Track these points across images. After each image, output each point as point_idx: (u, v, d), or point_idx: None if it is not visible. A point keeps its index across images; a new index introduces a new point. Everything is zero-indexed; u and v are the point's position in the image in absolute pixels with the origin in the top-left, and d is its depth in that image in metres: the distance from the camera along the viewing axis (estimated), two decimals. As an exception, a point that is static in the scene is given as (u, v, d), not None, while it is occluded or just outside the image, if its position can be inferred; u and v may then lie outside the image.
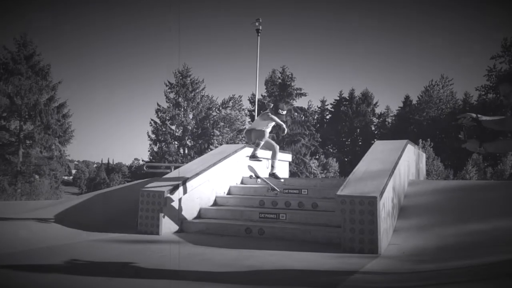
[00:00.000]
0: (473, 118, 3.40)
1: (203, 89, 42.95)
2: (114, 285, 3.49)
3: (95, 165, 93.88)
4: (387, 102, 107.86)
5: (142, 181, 9.08)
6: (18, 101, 29.62)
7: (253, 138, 6.64)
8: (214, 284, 3.60)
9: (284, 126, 6.65)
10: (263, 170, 9.16)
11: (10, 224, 6.37)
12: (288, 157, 10.71)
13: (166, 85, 42.33)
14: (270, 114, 6.53)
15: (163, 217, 6.15)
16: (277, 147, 6.86)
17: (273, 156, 6.79)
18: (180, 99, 42.16)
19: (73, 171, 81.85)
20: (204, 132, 41.19)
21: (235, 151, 8.08)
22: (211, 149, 28.18)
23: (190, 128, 41.36)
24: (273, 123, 6.66)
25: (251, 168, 7.04)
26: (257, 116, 8.58)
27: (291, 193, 7.27)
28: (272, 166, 6.77)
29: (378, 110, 57.80)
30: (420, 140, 33.05)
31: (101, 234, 6.03)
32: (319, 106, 58.77)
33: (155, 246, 5.34)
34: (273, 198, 7.03)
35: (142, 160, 46.33)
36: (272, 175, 6.77)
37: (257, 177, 6.95)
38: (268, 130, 6.70)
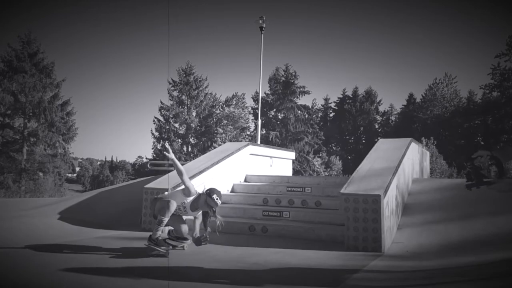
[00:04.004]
0: (491, 155, 3.14)
1: (206, 87, 42.99)
2: (118, 283, 3.50)
3: (98, 163, 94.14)
4: (391, 100, 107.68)
5: (146, 178, 9.11)
6: (22, 98, 29.69)
7: (155, 210, 4.72)
8: (217, 281, 3.60)
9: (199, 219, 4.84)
10: (266, 168, 9.17)
11: (14, 222, 6.40)
12: (292, 155, 10.71)
13: (170, 83, 42.38)
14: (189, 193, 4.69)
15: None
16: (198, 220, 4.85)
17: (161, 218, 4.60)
18: (183, 97, 42.18)
19: (77, 169, 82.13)
20: (208, 130, 41.19)
21: (239, 149, 8.08)
22: (215, 147, 28.21)
23: (193, 126, 41.36)
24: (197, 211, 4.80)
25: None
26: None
27: (294, 191, 7.27)
28: (157, 226, 4.62)
29: (381, 108, 57.56)
30: (423, 138, 32.91)
31: (104, 232, 6.05)
32: (322, 104, 58.69)
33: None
34: (276, 196, 7.03)
35: (146, 158, 46.46)
36: (153, 242, 4.68)
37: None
38: (184, 205, 4.73)
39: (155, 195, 5.13)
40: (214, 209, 4.66)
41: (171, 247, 4.78)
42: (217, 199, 4.65)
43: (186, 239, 4.92)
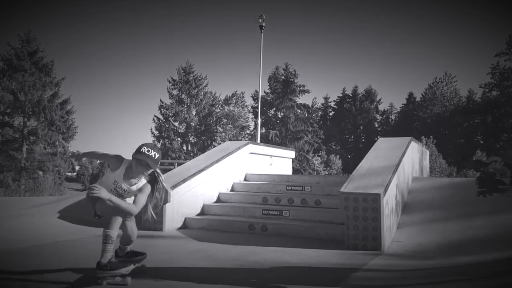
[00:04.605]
0: (505, 162, 3.09)
1: (206, 86, 43.00)
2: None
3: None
4: (391, 99, 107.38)
5: (146, 177, 9.08)
6: (21, 97, 29.73)
7: (97, 210, 3.54)
8: (217, 280, 3.60)
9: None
10: (265, 167, 9.16)
11: (14, 220, 6.40)
12: (291, 154, 10.70)
13: (169, 82, 42.39)
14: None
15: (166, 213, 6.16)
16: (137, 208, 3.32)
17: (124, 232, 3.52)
18: (183, 95, 42.21)
19: (77, 167, 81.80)
20: (207, 129, 41.24)
21: (238, 148, 8.08)
22: (214, 146, 28.20)
23: (193, 124, 41.40)
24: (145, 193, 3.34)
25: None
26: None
27: (294, 190, 7.27)
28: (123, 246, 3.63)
29: (381, 107, 57.68)
30: (423, 137, 32.95)
31: (104, 230, 6.04)
32: (322, 103, 58.72)
33: (159, 242, 5.35)
34: (276, 195, 7.03)
35: (145, 157, 46.32)
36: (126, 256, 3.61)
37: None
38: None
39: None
40: (151, 167, 3.25)
41: (132, 265, 3.55)
42: (148, 151, 3.20)
43: (140, 254, 3.65)
